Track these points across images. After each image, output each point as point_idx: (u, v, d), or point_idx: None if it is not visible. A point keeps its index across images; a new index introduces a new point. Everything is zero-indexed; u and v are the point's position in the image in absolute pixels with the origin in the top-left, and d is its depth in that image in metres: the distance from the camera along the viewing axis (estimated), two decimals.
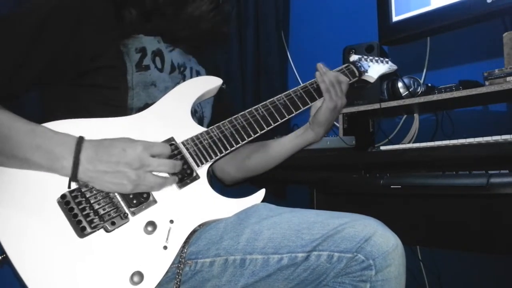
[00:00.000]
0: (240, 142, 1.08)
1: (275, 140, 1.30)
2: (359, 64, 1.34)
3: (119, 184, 0.88)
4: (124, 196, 0.90)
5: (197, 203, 0.97)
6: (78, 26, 0.98)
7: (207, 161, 1.02)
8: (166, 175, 0.94)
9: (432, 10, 1.55)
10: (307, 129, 1.27)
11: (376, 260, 0.87)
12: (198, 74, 1.21)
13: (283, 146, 1.27)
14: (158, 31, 1.12)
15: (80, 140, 0.87)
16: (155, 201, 0.92)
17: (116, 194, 0.90)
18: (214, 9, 1.16)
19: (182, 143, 1.01)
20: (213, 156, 1.03)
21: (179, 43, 1.17)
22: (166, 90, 1.08)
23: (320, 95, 1.22)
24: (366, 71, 1.35)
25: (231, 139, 1.07)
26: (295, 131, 1.30)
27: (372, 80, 1.37)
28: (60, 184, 0.87)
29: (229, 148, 1.06)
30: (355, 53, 1.59)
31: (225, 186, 1.37)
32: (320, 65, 1.23)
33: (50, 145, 0.85)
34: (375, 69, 1.38)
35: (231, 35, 2.16)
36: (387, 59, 1.44)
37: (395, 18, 1.66)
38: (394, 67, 1.44)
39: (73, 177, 0.86)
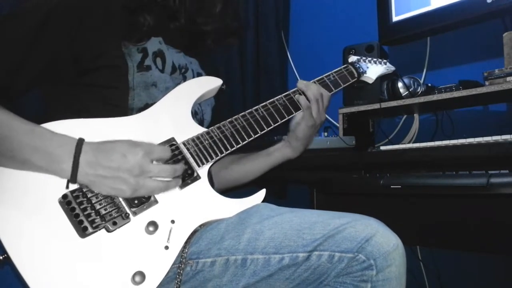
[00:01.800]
0: (241, 142, 1.08)
1: (253, 154, 1.27)
2: (358, 65, 1.35)
3: (118, 189, 0.87)
4: None
5: (198, 203, 0.97)
6: (79, 26, 0.98)
7: (208, 161, 1.02)
8: (167, 178, 0.93)
9: (432, 10, 1.55)
10: (285, 143, 1.25)
11: (377, 260, 0.87)
12: (200, 76, 1.21)
13: (260, 161, 1.25)
14: (169, 34, 1.12)
15: (80, 142, 0.86)
16: (156, 201, 0.92)
17: None
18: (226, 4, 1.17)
19: (183, 143, 1.01)
20: (213, 156, 1.03)
21: (187, 46, 1.17)
22: (166, 90, 1.08)
23: None
24: (365, 72, 1.35)
25: (231, 139, 1.07)
26: (271, 147, 1.27)
27: (370, 81, 1.37)
28: (61, 184, 0.87)
29: (230, 148, 1.06)
30: (355, 53, 1.60)
31: None
32: (300, 82, 1.20)
33: (50, 147, 0.85)
34: (374, 70, 1.39)
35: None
36: (385, 60, 1.45)
37: (395, 18, 1.67)
38: (392, 68, 1.45)
39: (72, 179, 0.85)
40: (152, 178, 0.90)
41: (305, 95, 1.18)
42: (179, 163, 0.96)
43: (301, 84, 1.19)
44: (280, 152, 1.25)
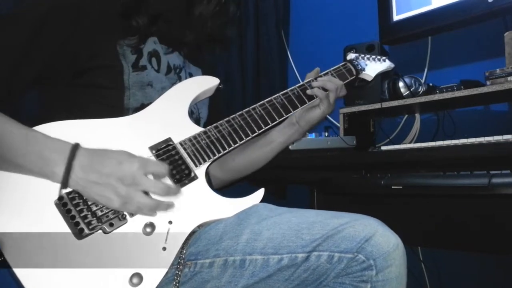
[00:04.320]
0: (238, 141, 1.07)
1: (259, 139, 1.23)
2: (356, 62, 1.33)
3: (106, 198, 0.85)
4: None
5: (196, 204, 0.96)
6: (75, 26, 0.98)
7: (205, 161, 1.01)
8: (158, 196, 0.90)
9: (433, 9, 1.55)
10: (293, 125, 1.22)
11: (376, 260, 0.86)
12: (191, 76, 1.20)
13: (267, 146, 1.23)
14: (163, 34, 1.11)
15: (75, 147, 0.85)
16: None
17: None
18: (218, 11, 1.15)
19: (180, 143, 1.00)
20: (211, 156, 1.02)
21: (181, 46, 1.17)
22: (162, 90, 1.07)
23: None
24: (364, 69, 1.34)
25: (229, 139, 1.06)
26: (277, 128, 1.23)
27: (369, 79, 1.36)
28: (57, 186, 0.86)
29: (227, 148, 1.05)
30: (356, 53, 1.59)
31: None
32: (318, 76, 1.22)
33: (43, 151, 0.84)
34: (373, 67, 1.37)
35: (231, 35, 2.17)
36: (384, 57, 1.44)
37: (396, 18, 1.66)
38: (392, 65, 1.44)
39: (64, 184, 0.83)
40: (143, 193, 0.87)
41: (323, 87, 1.18)
42: (176, 185, 0.94)
43: (319, 80, 1.20)
44: (287, 136, 1.23)
